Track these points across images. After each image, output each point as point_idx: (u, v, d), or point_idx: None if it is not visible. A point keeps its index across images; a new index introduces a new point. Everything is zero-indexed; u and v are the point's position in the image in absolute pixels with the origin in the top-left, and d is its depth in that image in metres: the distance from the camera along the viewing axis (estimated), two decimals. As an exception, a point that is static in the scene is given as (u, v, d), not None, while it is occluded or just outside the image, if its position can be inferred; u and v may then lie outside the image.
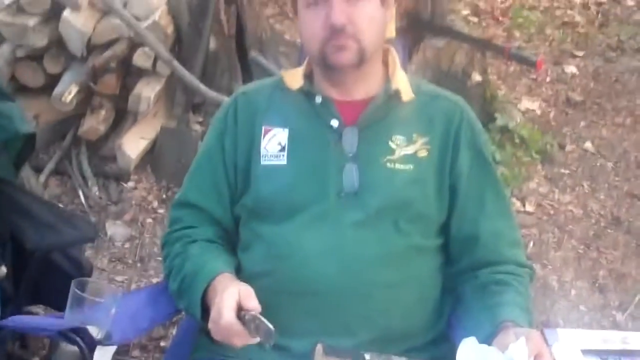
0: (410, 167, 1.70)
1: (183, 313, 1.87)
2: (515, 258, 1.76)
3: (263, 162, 1.74)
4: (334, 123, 1.72)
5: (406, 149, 1.72)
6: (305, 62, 1.83)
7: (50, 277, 2.28)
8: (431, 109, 1.78)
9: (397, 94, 1.76)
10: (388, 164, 1.71)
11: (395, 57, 1.82)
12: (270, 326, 1.46)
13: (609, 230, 3.71)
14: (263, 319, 1.48)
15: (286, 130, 1.74)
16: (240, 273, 1.74)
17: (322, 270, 1.65)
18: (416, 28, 3.96)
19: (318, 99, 1.74)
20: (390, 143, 1.73)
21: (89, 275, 2.54)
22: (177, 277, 1.75)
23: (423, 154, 1.72)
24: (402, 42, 2.15)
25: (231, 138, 1.78)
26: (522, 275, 1.75)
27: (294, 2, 1.72)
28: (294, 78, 1.80)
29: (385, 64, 1.82)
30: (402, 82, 1.79)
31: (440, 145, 1.74)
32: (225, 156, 1.78)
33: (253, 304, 1.52)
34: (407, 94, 1.78)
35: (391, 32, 1.84)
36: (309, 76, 1.80)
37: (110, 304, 1.61)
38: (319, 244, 1.66)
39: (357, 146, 1.71)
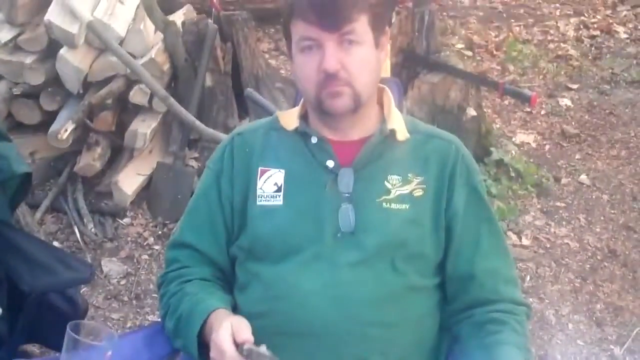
0: (406, 207, 1.70)
1: (180, 353, 1.85)
2: (511, 296, 1.76)
3: (259, 202, 1.74)
4: (330, 164, 1.72)
5: (402, 188, 1.72)
6: (301, 103, 1.84)
7: (45, 316, 2.27)
8: (426, 149, 1.78)
9: (392, 133, 1.76)
10: (384, 204, 1.70)
11: (390, 97, 1.83)
12: (269, 354, 1.47)
13: (605, 263, 3.71)
14: (261, 349, 1.48)
15: (282, 171, 1.74)
16: (236, 313, 1.73)
17: (319, 311, 1.64)
18: (411, 64, 3.99)
19: (314, 140, 1.74)
20: (386, 183, 1.72)
21: (85, 314, 2.53)
22: (173, 317, 1.74)
23: (419, 193, 1.72)
24: (396, 81, 2.15)
25: (228, 179, 1.79)
26: (519, 313, 1.74)
27: (290, 45, 1.73)
28: (290, 119, 1.80)
29: (380, 104, 1.82)
30: (398, 122, 1.79)
31: (435, 185, 1.74)
32: (221, 197, 1.78)
33: (246, 335, 1.52)
34: (402, 134, 1.78)
35: (386, 71, 1.85)
36: (304, 116, 1.80)
37: (106, 346, 1.59)
38: (316, 284, 1.65)
39: (352, 186, 1.71)
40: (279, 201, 1.70)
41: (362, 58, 1.65)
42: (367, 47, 1.66)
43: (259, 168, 1.76)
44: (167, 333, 1.77)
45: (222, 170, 1.80)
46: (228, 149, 1.82)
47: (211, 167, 1.84)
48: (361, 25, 1.64)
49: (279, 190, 1.72)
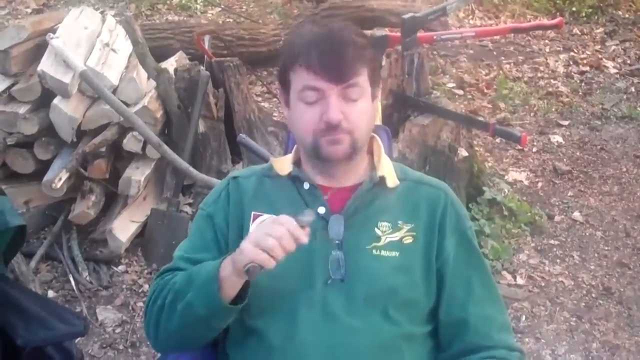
0: (396, 254, 1.71)
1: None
2: (505, 342, 1.76)
3: None
4: (321, 210, 1.74)
5: (392, 235, 1.74)
6: (294, 149, 1.87)
7: (40, 368, 2.25)
8: (416, 196, 1.81)
9: (382, 180, 1.79)
10: (374, 251, 1.72)
11: (380, 145, 1.85)
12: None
13: (600, 301, 3.70)
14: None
15: (274, 217, 1.76)
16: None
17: (313, 362, 1.64)
18: (402, 106, 4.02)
19: (306, 186, 1.77)
20: (376, 230, 1.74)
21: (80, 364, 2.52)
22: (167, 292, 1.70)
23: (408, 240, 1.73)
24: (386, 129, 2.18)
25: (223, 217, 1.80)
26: (513, 359, 1.75)
27: (286, 91, 1.76)
28: (284, 164, 1.83)
29: (370, 152, 1.85)
30: (387, 169, 1.81)
31: (425, 232, 1.75)
32: (217, 234, 1.79)
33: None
34: (392, 181, 1.80)
35: (377, 119, 1.88)
36: (297, 163, 1.83)
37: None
38: (309, 334, 1.65)
39: (343, 233, 1.73)
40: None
41: (362, 109, 1.70)
42: (366, 99, 1.71)
43: (252, 212, 1.78)
44: (159, 309, 1.71)
45: (217, 211, 1.81)
46: (224, 191, 1.84)
47: (205, 209, 1.84)
48: (363, 79, 1.69)
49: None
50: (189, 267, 1.74)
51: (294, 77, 1.71)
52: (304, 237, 1.56)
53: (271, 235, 1.54)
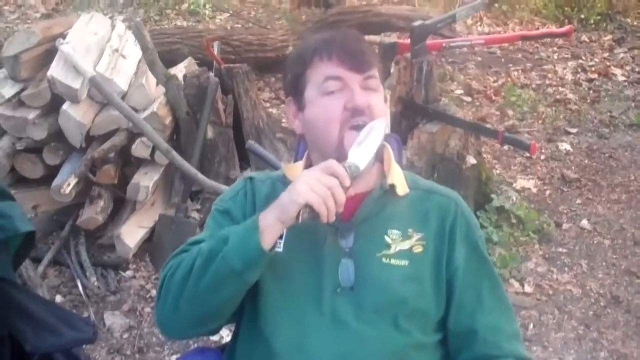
0: (405, 263, 1.71)
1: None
2: (514, 351, 1.75)
3: None
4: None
5: (402, 244, 1.73)
6: (305, 155, 1.86)
7: (48, 374, 2.26)
8: (426, 204, 1.80)
9: (392, 188, 1.78)
10: (384, 259, 1.71)
11: (390, 153, 1.85)
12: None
13: (608, 310, 3.68)
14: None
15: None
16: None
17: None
18: (410, 113, 4.02)
19: None
20: (386, 238, 1.73)
21: (88, 371, 2.53)
22: (193, 260, 1.63)
23: (418, 249, 1.73)
24: (396, 137, 2.18)
25: (242, 213, 1.78)
26: (522, 368, 1.74)
27: (296, 101, 1.77)
28: (295, 171, 1.82)
29: (381, 159, 1.85)
30: (398, 177, 1.81)
31: (435, 241, 1.75)
32: (234, 223, 1.75)
33: None
34: (402, 189, 1.80)
35: (388, 128, 1.87)
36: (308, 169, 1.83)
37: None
38: (318, 342, 1.65)
39: (353, 241, 1.72)
40: (279, 248, 1.69)
41: (381, 101, 1.73)
42: (381, 95, 1.75)
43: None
44: (182, 279, 1.65)
45: (235, 207, 1.79)
46: (242, 191, 1.83)
47: (222, 206, 1.82)
48: (378, 74, 1.74)
49: (280, 237, 1.72)
50: None
51: (312, 73, 1.72)
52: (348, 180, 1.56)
53: (325, 185, 1.53)
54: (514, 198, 4.50)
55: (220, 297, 1.64)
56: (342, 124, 1.68)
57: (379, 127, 1.65)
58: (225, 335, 2.84)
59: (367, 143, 1.63)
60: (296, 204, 1.52)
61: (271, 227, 1.57)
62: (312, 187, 1.52)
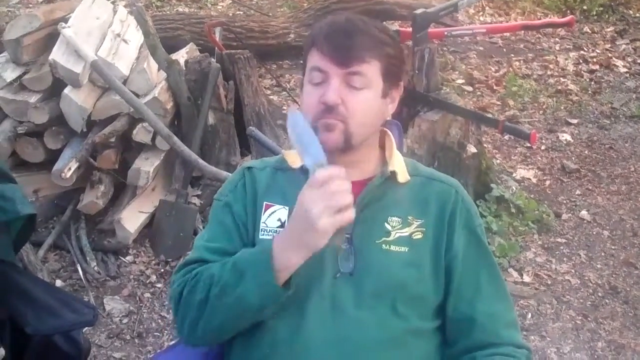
0: (405, 249, 1.71)
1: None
2: (512, 339, 1.76)
3: (262, 236, 1.74)
4: (332, 204, 1.74)
5: (401, 231, 1.73)
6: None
7: (48, 357, 2.26)
8: (427, 191, 1.80)
9: (393, 175, 1.78)
10: (383, 246, 1.72)
11: (392, 140, 1.85)
12: None
13: (606, 300, 3.70)
14: None
15: (286, 208, 1.75)
16: (234, 358, 1.74)
17: (321, 355, 1.64)
18: (412, 101, 4.02)
19: None
20: (386, 224, 1.74)
21: (88, 354, 2.53)
22: (210, 286, 1.64)
23: (418, 236, 1.73)
24: (397, 123, 2.18)
25: (242, 205, 1.79)
26: (520, 356, 1.74)
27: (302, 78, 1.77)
28: (296, 157, 1.82)
29: (382, 146, 1.85)
30: (399, 164, 1.81)
31: (435, 228, 1.75)
32: (236, 220, 1.77)
33: None
34: (403, 176, 1.80)
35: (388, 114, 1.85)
36: None
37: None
38: (317, 327, 1.66)
39: (353, 227, 1.73)
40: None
41: (364, 100, 1.67)
42: (372, 93, 1.69)
43: (264, 203, 1.77)
44: (201, 304, 1.66)
45: (235, 200, 1.79)
46: (240, 182, 1.83)
47: (222, 199, 1.82)
48: (372, 70, 1.67)
49: (282, 226, 1.72)
50: (215, 258, 1.72)
51: (308, 59, 1.72)
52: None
53: (330, 198, 1.49)
54: (514, 188, 4.51)
55: (238, 326, 1.68)
56: (314, 117, 1.66)
57: (294, 119, 1.58)
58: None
59: (304, 138, 1.56)
60: (325, 238, 1.51)
61: (293, 267, 1.58)
62: (325, 212, 1.49)
